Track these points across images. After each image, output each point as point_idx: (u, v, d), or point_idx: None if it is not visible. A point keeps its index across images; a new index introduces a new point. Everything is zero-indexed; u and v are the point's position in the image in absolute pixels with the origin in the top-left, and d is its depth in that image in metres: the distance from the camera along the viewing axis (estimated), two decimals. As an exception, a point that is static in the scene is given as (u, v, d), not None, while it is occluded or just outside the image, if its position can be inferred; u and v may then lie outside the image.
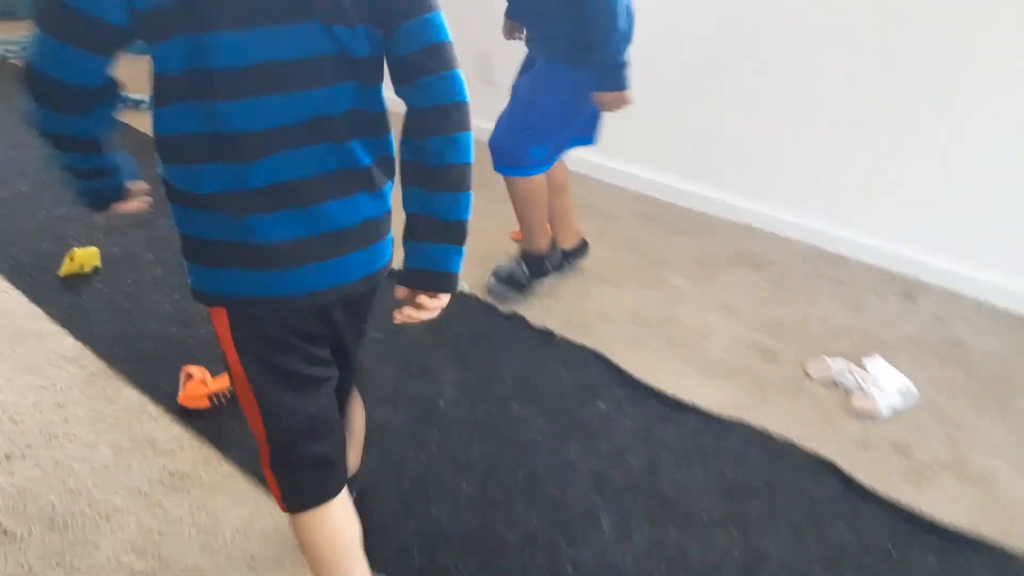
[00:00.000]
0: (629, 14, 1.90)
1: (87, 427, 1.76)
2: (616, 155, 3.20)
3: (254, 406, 1.04)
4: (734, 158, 2.93)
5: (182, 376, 1.86)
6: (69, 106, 0.92)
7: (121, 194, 1.12)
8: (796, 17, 2.63)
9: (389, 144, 1.02)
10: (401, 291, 1.05)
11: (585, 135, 2.26)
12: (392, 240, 1.08)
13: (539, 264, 2.36)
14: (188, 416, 1.78)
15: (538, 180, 2.21)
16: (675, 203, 3.06)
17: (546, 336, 2.16)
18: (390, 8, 0.92)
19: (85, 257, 2.33)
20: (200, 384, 1.82)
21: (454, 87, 0.96)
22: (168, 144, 0.94)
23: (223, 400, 1.80)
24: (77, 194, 1.09)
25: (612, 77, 1.98)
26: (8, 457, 1.67)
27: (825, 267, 2.64)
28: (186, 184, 0.94)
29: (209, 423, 1.76)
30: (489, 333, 2.16)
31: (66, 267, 2.31)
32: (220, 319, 1.01)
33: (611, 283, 2.46)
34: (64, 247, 2.39)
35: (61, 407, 1.81)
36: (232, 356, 1.03)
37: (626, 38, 1.92)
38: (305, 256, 0.96)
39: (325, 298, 1.01)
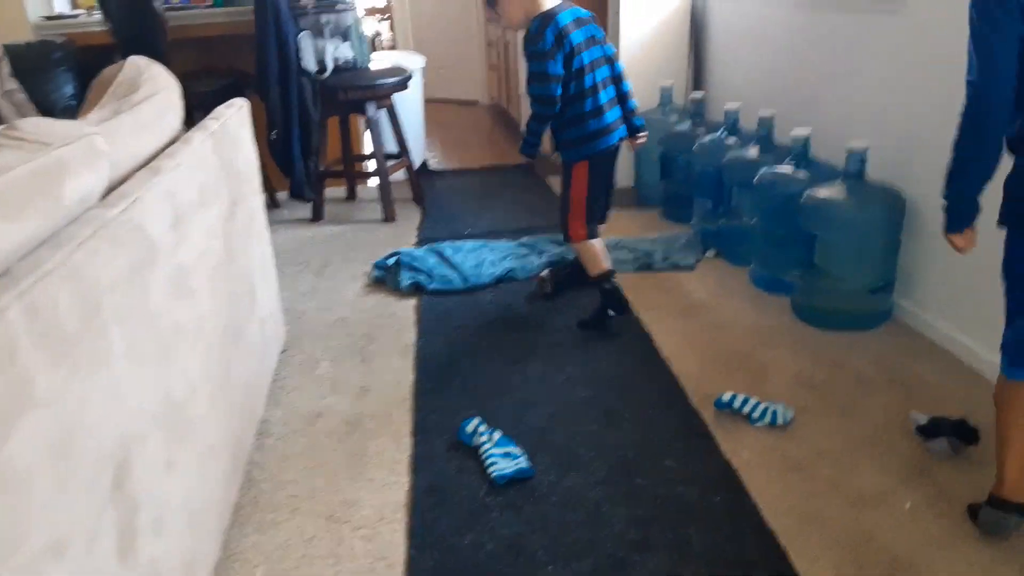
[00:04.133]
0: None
1: None
2: None
3: (583, 188, 2.55)
4: None
5: None
6: None
7: None
8: None
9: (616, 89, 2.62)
10: (632, 141, 2.65)
11: None
12: (623, 128, 2.58)
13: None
14: None
15: None
16: None
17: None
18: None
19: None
20: None
21: (620, 69, 2.58)
22: None
23: None
24: None
25: None
26: None
27: None
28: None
29: None
30: None
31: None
32: (580, 167, 2.53)
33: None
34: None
35: None
36: (581, 172, 2.53)
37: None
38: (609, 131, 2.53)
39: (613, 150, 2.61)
